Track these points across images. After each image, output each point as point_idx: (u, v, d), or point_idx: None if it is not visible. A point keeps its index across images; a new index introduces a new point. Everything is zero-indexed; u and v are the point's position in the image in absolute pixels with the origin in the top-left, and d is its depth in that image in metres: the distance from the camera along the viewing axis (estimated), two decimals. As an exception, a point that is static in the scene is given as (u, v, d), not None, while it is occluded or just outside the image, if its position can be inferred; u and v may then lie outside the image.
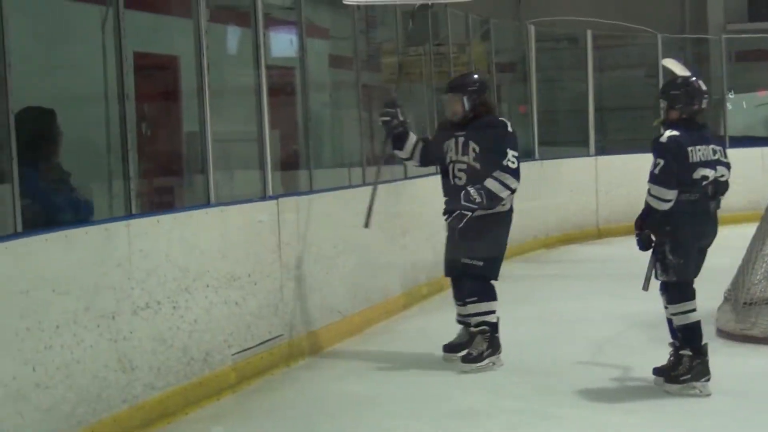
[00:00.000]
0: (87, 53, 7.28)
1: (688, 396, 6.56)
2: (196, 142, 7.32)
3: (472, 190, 7.26)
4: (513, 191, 7.35)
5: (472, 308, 7.49)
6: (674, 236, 6.57)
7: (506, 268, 11.95)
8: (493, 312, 7.49)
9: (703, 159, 6.58)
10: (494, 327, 7.49)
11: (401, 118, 7.63)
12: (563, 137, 16.07)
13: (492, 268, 7.50)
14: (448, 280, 7.88)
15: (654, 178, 6.54)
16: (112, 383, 5.87)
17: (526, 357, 7.64)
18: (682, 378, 6.64)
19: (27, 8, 6.78)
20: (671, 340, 6.80)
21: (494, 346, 7.44)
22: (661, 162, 6.52)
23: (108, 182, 7.07)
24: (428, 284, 10.07)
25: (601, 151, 15.37)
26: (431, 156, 7.75)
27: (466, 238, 7.33)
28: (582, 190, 14.77)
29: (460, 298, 7.63)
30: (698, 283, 6.70)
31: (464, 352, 7.49)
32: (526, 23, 14.85)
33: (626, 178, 14.68)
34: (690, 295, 6.68)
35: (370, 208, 7.68)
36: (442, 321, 8.61)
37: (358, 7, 9.95)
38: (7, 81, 5.30)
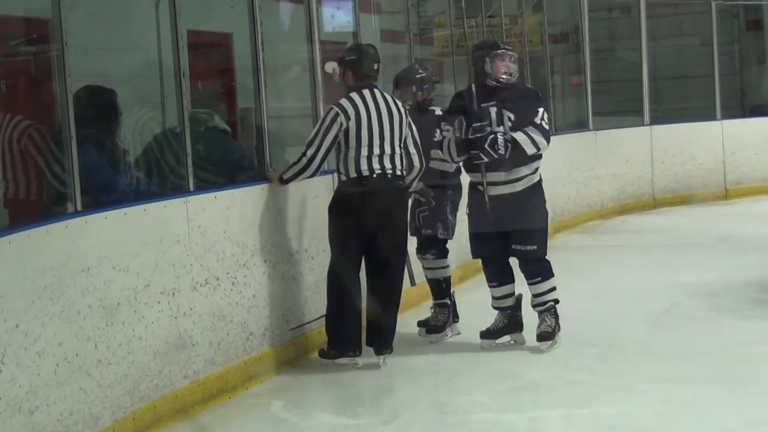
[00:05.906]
0: (142, 32, 7.30)
1: (752, 364, 6.53)
2: (250, 118, 7.34)
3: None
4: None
5: (537, 288, 7.23)
6: None
7: (562, 239, 11.99)
8: (555, 289, 7.32)
9: None
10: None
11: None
12: (617, 107, 15.93)
13: (544, 248, 7.25)
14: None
15: None
16: (173, 359, 5.91)
17: (588, 330, 7.55)
18: None
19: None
20: None
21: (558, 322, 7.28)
22: None
23: (163, 158, 7.10)
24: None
25: (656, 120, 15.21)
26: None
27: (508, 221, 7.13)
28: (637, 160, 14.62)
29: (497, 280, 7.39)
30: None
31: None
32: (578, -7, 14.73)
33: (681, 147, 14.62)
34: None
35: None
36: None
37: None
38: (65, 61, 5.33)
